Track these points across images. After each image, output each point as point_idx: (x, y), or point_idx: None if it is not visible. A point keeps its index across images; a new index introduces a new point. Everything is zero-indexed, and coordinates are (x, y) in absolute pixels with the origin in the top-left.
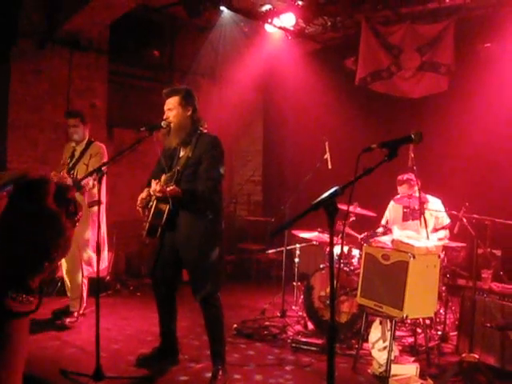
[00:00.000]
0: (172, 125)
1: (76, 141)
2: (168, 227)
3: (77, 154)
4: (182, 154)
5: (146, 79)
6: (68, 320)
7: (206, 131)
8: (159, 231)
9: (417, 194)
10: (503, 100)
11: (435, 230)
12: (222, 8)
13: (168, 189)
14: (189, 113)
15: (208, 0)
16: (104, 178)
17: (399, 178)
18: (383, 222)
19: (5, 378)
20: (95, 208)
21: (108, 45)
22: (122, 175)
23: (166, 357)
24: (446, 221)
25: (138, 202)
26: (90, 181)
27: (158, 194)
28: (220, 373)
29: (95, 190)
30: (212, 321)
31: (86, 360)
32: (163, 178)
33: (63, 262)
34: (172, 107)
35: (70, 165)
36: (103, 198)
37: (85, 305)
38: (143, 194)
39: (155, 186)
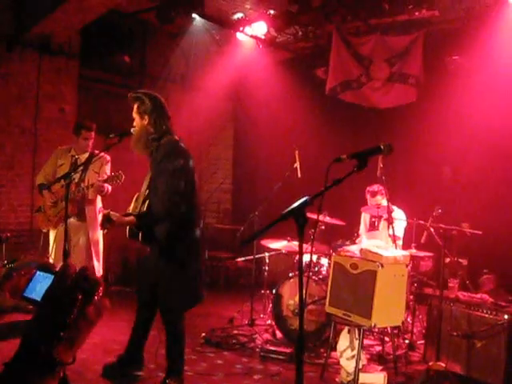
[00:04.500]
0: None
1: (84, 151)
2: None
3: (80, 162)
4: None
5: (116, 85)
6: None
7: (169, 137)
8: (140, 236)
9: (385, 204)
10: (470, 111)
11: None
12: (194, 15)
13: (114, 218)
14: (145, 121)
15: (180, 7)
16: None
17: (371, 189)
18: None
19: None
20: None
21: (78, 49)
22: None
23: (131, 364)
24: (399, 233)
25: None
26: (109, 187)
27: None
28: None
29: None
30: (173, 339)
31: None
32: (133, 203)
33: None
34: (134, 114)
35: (78, 174)
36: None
37: None
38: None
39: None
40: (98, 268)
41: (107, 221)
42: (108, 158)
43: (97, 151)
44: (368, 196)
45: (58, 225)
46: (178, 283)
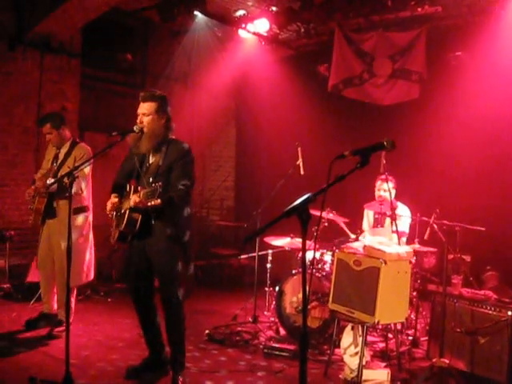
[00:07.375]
0: (145, 130)
1: (57, 146)
2: (138, 235)
3: (61, 156)
4: (151, 160)
5: (118, 83)
6: (56, 329)
7: (174, 137)
8: (129, 238)
9: (388, 199)
10: (473, 107)
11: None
12: (196, 13)
13: (149, 203)
14: (163, 121)
15: (182, 4)
16: (90, 183)
17: (383, 176)
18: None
19: None
20: (81, 215)
21: (80, 48)
22: (93, 179)
23: (155, 368)
24: (405, 229)
25: (109, 207)
26: (82, 185)
27: (139, 206)
28: (180, 379)
29: (84, 195)
30: (174, 326)
31: (56, 367)
32: (142, 192)
33: (45, 269)
34: (147, 112)
35: (55, 169)
36: (90, 205)
37: (73, 315)
38: (114, 200)
39: (136, 198)
40: (81, 275)
41: (133, 210)
42: (84, 151)
43: (79, 142)
44: (378, 182)
45: (37, 221)
46: (177, 250)
